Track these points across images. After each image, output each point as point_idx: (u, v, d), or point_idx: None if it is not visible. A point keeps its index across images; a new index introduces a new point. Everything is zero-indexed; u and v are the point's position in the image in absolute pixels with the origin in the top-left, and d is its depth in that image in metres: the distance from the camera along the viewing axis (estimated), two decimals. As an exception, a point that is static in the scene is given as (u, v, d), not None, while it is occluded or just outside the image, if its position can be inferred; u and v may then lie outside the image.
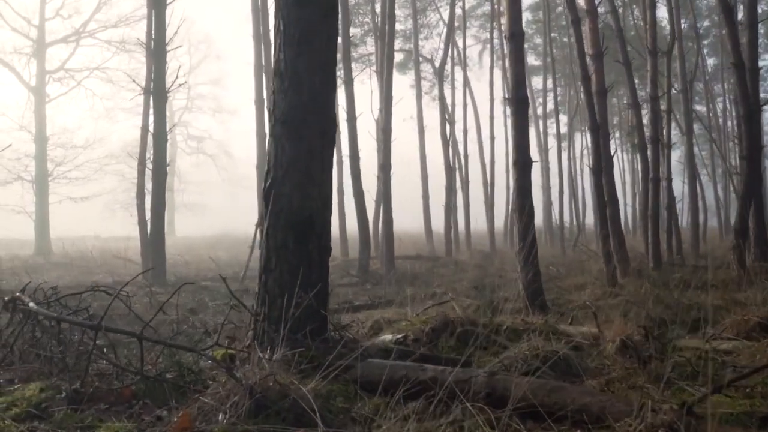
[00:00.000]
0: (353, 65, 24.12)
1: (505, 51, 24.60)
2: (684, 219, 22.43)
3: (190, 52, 21.21)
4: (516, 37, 7.33)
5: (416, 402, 2.66)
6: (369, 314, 5.89)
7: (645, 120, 14.59)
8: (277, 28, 3.52)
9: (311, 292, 3.35)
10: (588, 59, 10.32)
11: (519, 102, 7.29)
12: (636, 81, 13.50)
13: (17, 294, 3.33)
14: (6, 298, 3.51)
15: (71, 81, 20.45)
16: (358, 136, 12.99)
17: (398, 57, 22.55)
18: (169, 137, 11.21)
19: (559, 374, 3.18)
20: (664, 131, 14.21)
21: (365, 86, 24.94)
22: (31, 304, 3.05)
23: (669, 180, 13.93)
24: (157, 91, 10.62)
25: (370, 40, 21.84)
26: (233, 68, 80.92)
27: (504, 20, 8.97)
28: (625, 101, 26.04)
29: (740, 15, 14.67)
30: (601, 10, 13.26)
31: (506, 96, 7.57)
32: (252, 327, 3.46)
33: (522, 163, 7.33)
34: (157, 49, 10.63)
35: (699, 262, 12.68)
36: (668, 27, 17.53)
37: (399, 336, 3.75)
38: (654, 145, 12.38)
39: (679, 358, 3.52)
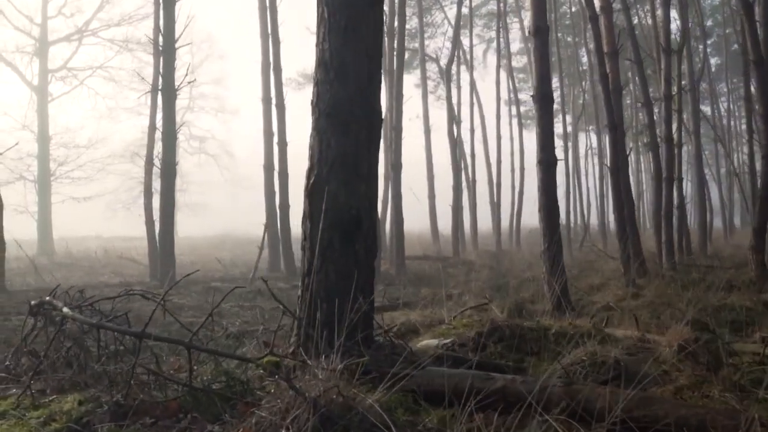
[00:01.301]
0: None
1: (513, 50, 24.46)
2: (690, 219, 22.32)
3: (192, 51, 20.95)
4: (541, 33, 7.15)
5: (485, 414, 2.47)
6: (391, 317, 5.70)
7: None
8: (321, 16, 3.32)
9: (359, 295, 3.15)
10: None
11: (543, 99, 7.11)
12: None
13: (47, 298, 3.12)
14: (32, 302, 3.30)
15: (74, 80, 20.23)
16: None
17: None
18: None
19: (619, 381, 2.98)
20: (674, 131, 14.08)
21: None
22: (65, 309, 2.84)
23: (680, 180, 13.80)
24: (166, 88, 10.41)
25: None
26: (234, 68, 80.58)
27: (516, 17, 8.77)
28: (628, 100, 25.93)
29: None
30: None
31: (530, 94, 7.38)
32: (296, 332, 3.26)
33: (547, 162, 7.16)
34: (166, 47, 10.42)
35: (709, 262, 12.53)
36: (674, 26, 17.42)
37: (447, 341, 3.55)
38: (668, 144, 12.24)
39: (741, 363, 3.34)
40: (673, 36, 19.38)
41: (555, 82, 24.72)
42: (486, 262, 15.73)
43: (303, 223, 3.33)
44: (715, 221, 25.91)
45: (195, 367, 3.15)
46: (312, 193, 3.27)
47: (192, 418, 2.49)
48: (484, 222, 22.55)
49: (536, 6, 7.17)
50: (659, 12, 12.85)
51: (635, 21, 21.29)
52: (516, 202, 21.97)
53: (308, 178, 3.31)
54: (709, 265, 11.49)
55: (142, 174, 21.27)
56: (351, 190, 3.22)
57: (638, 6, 21.36)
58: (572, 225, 23.74)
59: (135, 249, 17.70)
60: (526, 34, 27.07)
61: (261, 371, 2.72)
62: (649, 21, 22.84)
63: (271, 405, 2.39)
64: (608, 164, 10.24)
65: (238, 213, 31.77)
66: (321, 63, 3.30)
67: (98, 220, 21.89)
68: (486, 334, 3.72)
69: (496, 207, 21.47)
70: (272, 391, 2.62)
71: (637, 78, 20.88)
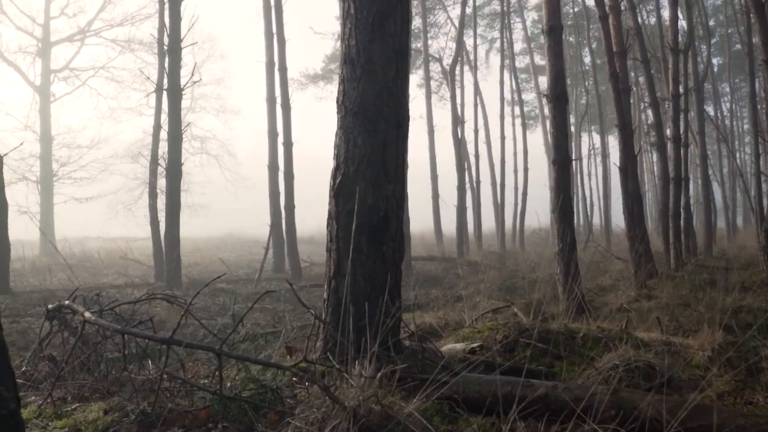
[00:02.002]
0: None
1: (515, 50, 24.37)
2: (695, 219, 22.21)
3: (193, 52, 20.81)
4: (555, 31, 7.07)
5: (527, 423, 2.38)
6: (405, 319, 5.61)
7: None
8: (346, 11, 3.23)
9: (388, 298, 3.06)
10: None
11: (558, 98, 7.04)
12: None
13: (65, 302, 3.02)
14: (49, 306, 3.20)
15: (76, 80, 20.10)
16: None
17: (405, 56, 22.20)
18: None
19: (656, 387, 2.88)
20: (681, 130, 14.01)
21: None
22: (87, 314, 2.74)
23: (686, 180, 13.73)
24: (171, 88, 10.30)
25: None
26: (234, 67, 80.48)
27: (530, 15, 8.67)
28: (631, 100, 25.83)
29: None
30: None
31: (544, 93, 7.31)
32: (322, 337, 3.16)
33: (561, 162, 7.08)
34: (171, 46, 10.31)
35: (716, 263, 12.46)
36: (677, 26, 17.30)
37: (474, 345, 3.45)
38: (676, 144, 12.17)
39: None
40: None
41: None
42: (491, 262, 15.64)
43: (329, 224, 3.23)
44: (718, 221, 25.87)
45: (218, 374, 3.06)
46: (338, 193, 3.18)
47: (222, 427, 2.39)
48: (486, 222, 22.48)
49: (550, 5, 7.09)
50: (665, 11, 12.79)
51: (639, 21, 21.21)
52: (519, 202, 21.89)
53: (334, 177, 3.22)
54: (716, 266, 11.42)
55: (143, 175, 21.20)
56: (379, 190, 3.12)
57: (641, 6, 21.29)
58: (575, 225, 23.66)
59: (137, 250, 17.57)
60: (529, 33, 26.99)
61: (294, 379, 2.62)
62: (651, 21, 22.83)
63: (306, 415, 2.30)
64: (618, 164, 10.17)
65: (240, 213, 31.64)
66: (347, 60, 3.20)
67: (99, 220, 21.74)
68: (513, 338, 3.62)
69: (499, 207, 21.38)
70: (305, 399, 2.53)
71: (640, 78, 20.91)
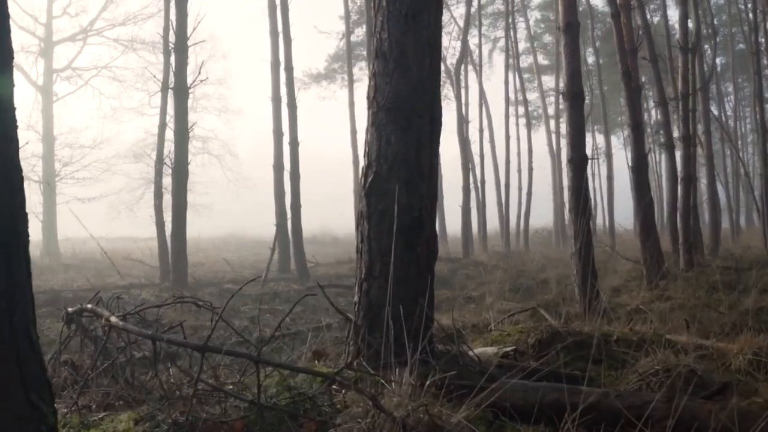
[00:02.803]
0: (362, 64, 23.80)
1: (518, 48, 24.27)
2: (700, 219, 22.14)
3: (195, 51, 20.63)
4: (572, 28, 6.97)
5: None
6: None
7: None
8: (378, 4, 3.12)
9: (421, 301, 2.94)
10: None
11: (575, 96, 6.93)
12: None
13: (88, 306, 2.90)
14: (69, 309, 3.08)
15: (78, 80, 19.96)
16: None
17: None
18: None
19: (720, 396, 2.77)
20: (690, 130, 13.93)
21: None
22: (114, 319, 2.62)
23: (695, 180, 13.64)
24: (178, 87, 10.18)
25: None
26: (235, 67, 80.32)
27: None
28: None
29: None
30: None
31: (561, 91, 7.21)
32: (353, 341, 3.05)
33: (577, 162, 6.97)
34: (178, 44, 10.19)
35: (724, 263, 12.36)
36: (687, 24, 17.22)
37: (508, 349, 3.34)
38: (686, 143, 12.06)
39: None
40: (677, 36, 19.24)
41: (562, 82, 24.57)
42: (497, 263, 15.54)
43: (359, 224, 3.12)
44: (722, 221, 25.79)
45: (243, 380, 2.94)
46: (370, 192, 3.06)
47: (260, 438, 2.28)
48: (489, 223, 22.36)
49: (567, 1, 6.99)
50: (673, 10, 12.70)
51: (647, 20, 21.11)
52: (524, 202, 21.79)
53: (365, 176, 3.10)
54: (726, 266, 11.32)
55: (145, 174, 21.05)
56: (412, 190, 3.01)
57: (646, 5, 21.20)
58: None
59: (140, 250, 17.45)
60: (532, 33, 26.88)
61: (333, 387, 2.50)
62: (654, 20, 22.76)
63: (350, 425, 2.18)
64: (630, 163, 10.09)
65: (241, 214, 31.52)
66: (379, 54, 3.09)
67: (101, 221, 21.60)
68: (546, 341, 3.52)
69: (504, 207, 21.29)
70: (342, 407, 2.41)
71: (643, 78, 20.82)
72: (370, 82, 3.15)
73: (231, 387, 2.88)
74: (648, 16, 21.45)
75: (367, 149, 3.12)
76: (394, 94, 3.03)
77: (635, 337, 3.74)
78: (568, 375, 3.00)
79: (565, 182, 23.45)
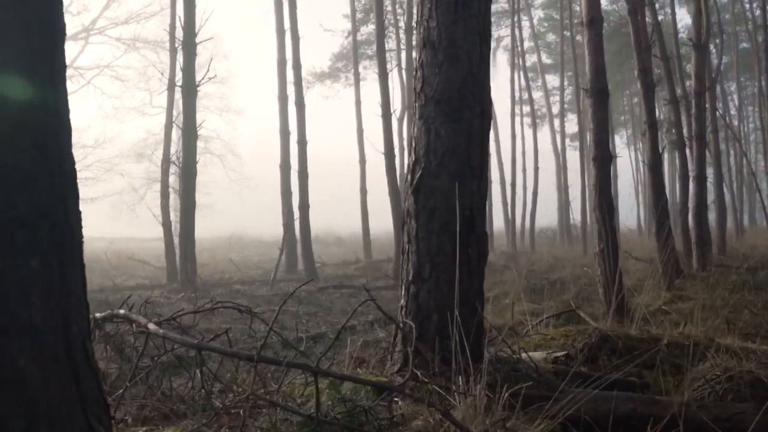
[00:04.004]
0: (366, 63, 23.61)
1: (524, 47, 24.10)
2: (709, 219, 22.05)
3: (199, 50, 20.43)
4: (596, 23, 6.80)
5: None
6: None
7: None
8: (425, -9, 2.95)
9: (473, 304, 2.78)
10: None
11: (599, 93, 6.75)
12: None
13: (120, 311, 2.72)
14: (97, 315, 2.89)
15: (81, 79, 19.71)
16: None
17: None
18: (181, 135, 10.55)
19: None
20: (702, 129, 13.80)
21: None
22: (152, 326, 2.44)
23: (705, 179, 13.51)
24: (186, 85, 9.99)
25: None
26: (237, 66, 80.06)
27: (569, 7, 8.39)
28: (634, 100, 25.63)
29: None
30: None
31: (583, 87, 7.04)
32: (400, 347, 2.88)
33: (602, 159, 6.80)
34: (187, 41, 10.00)
35: (732, 262, 12.23)
36: (685, 23, 17.12)
37: (558, 354, 3.18)
38: (699, 142, 11.93)
39: None
40: (681, 35, 19.14)
41: (566, 81, 24.44)
42: (504, 263, 15.39)
43: (406, 223, 2.95)
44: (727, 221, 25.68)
45: (273, 386, 2.77)
46: (418, 189, 2.89)
47: (317, 455, 2.10)
48: (494, 222, 22.23)
49: (590, -5, 6.82)
50: (678, 8, 12.56)
51: (647, 19, 20.99)
52: (529, 202, 21.65)
53: (413, 172, 2.93)
54: (739, 265, 11.19)
55: (147, 174, 20.82)
56: (463, 186, 2.83)
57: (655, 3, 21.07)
58: (579, 225, 23.46)
59: (143, 250, 17.25)
60: (535, 31, 26.72)
61: (394, 398, 2.33)
62: (659, 19, 22.61)
63: (419, 441, 2.01)
64: (645, 161, 9.95)
65: (243, 214, 31.31)
66: (426, 43, 2.92)
67: (102, 221, 21.38)
68: (595, 345, 3.36)
69: (509, 207, 21.14)
70: (401, 420, 2.24)
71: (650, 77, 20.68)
72: (416, 73, 2.98)
73: (274, 394, 2.70)
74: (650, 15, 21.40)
75: (414, 144, 2.95)
76: (444, 86, 2.86)
77: (687, 341, 3.58)
78: (625, 382, 2.85)
79: (571, 181, 23.20)
